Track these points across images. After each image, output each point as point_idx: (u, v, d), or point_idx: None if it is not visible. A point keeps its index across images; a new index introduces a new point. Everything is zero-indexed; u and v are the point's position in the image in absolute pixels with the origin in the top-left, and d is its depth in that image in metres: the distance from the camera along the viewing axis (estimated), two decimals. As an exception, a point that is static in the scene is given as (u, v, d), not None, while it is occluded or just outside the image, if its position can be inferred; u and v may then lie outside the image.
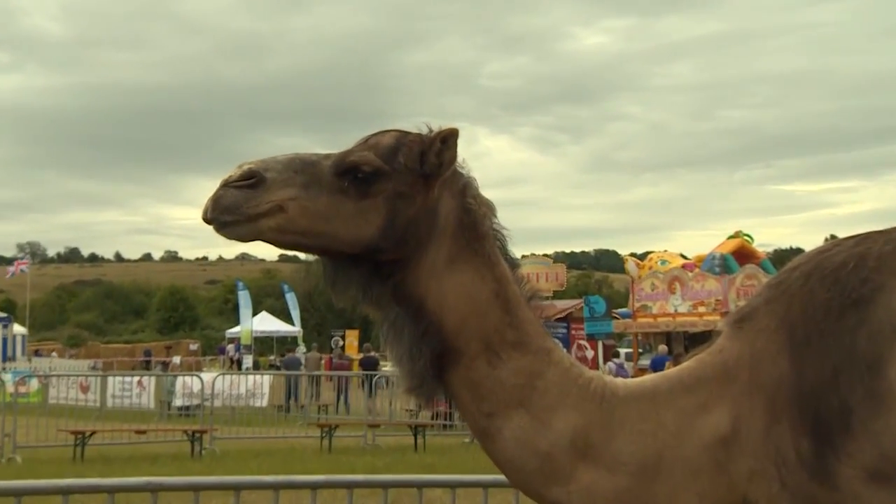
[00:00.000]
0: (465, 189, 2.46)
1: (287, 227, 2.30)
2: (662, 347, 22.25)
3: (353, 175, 2.34)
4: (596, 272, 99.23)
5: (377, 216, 2.34)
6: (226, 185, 2.29)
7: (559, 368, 2.43)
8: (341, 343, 36.27)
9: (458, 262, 2.41)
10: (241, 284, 39.81)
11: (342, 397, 23.28)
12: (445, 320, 2.38)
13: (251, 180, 2.28)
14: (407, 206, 2.37)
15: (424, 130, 2.45)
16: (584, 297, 31.06)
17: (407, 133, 2.45)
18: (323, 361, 29.05)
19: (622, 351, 29.34)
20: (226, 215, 2.26)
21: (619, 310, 31.61)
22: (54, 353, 50.21)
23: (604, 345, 28.48)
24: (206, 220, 2.28)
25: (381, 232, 2.34)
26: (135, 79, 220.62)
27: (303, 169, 2.33)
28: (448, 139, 2.40)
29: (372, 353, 24.47)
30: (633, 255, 31.33)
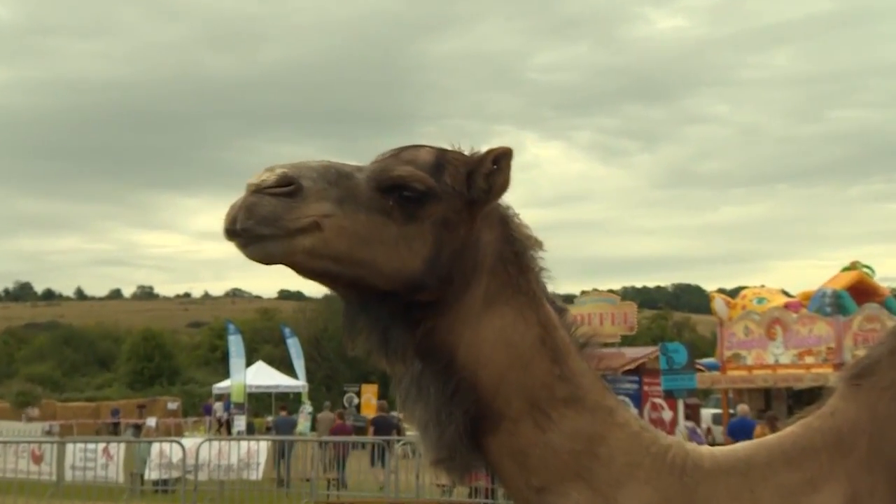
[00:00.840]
0: (505, 217, 2.54)
1: (320, 250, 2.35)
2: (743, 407, 21.82)
3: (398, 193, 2.41)
4: (675, 312, 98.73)
5: (423, 245, 2.40)
6: (259, 190, 2.33)
7: (626, 432, 2.44)
8: (356, 401, 36.43)
9: (497, 304, 2.45)
10: (232, 327, 39.98)
11: (343, 467, 22.80)
12: (481, 375, 2.41)
13: (289, 187, 2.33)
14: (452, 235, 2.43)
15: (458, 146, 2.52)
16: (661, 345, 30.85)
17: (445, 150, 2.52)
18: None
19: (707, 412, 29.10)
20: (263, 227, 2.30)
21: (705, 360, 31.41)
22: None
23: (685, 404, 28.23)
24: (235, 231, 2.32)
25: (427, 265, 2.40)
26: (99, 73, 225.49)
27: (337, 181, 2.39)
28: (501, 160, 2.47)
29: (390, 414, 24.41)
30: (721, 291, 31.16)
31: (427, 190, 2.41)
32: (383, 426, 23.25)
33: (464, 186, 2.45)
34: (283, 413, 30.44)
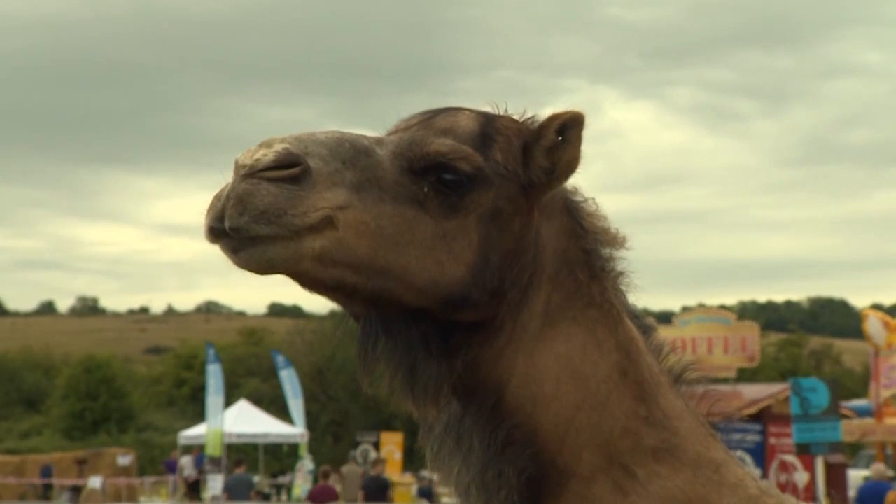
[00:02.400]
0: (571, 205, 2.57)
1: (334, 255, 2.36)
2: (878, 468, 21.73)
3: (436, 176, 2.44)
4: (812, 337, 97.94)
5: (467, 246, 2.43)
6: (253, 172, 2.35)
7: (740, 496, 2.44)
8: (373, 455, 36.36)
9: (561, 322, 2.47)
10: (212, 353, 39.87)
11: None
12: (541, 420, 2.42)
13: (294, 168, 2.35)
14: (504, 232, 2.46)
15: (506, 109, 2.56)
16: (792, 381, 30.64)
17: (492, 116, 2.55)
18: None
19: (857, 474, 28.83)
20: (261, 225, 2.32)
21: (853, 402, 31.17)
22: None
23: (826, 463, 28.02)
24: (223, 230, 2.34)
25: (473, 273, 2.42)
26: (22, 8, 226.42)
27: (353, 159, 2.42)
28: (568, 129, 2.48)
29: (421, 473, 24.48)
30: (876, 307, 30.92)
31: (475, 172, 2.43)
32: (374, 490, 23.28)
33: (519, 165, 2.48)
34: (240, 469, 30.27)
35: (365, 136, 2.49)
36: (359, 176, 2.39)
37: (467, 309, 2.43)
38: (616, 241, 2.59)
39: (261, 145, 2.38)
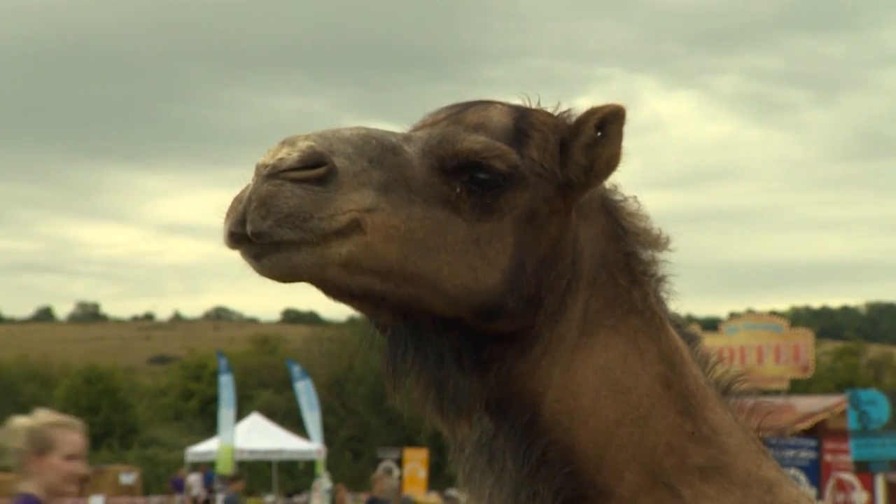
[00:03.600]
0: (610, 204, 2.57)
1: (362, 261, 2.37)
2: None
3: (469, 176, 2.45)
4: (871, 345, 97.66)
5: (501, 251, 2.44)
6: (275, 173, 2.35)
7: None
8: (396, 472, 36.39)
9: (600, 330, 2.47)
10: (223, 363, 39.92)
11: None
12: (578, 436, 2.42)
13: (319, 168, 2.36)
14: (540, 235, 2.46)
15: (539, 101, 2.58)
16: (849, 393, 30.55)
17: (526, 110, 2.55)
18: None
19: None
20: (287, 229, 2.32)
21: (916, 416, 30.95)
22: None
23: (887, 481, 27.92)
24: (245, 235, 2.35)
25: (508, 279, 2.43)
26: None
27: (381, 158, 2.42)
28: (608, 124, 2.48)
29: (448, 492, 24.55)
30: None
31: (510, 171, 2.44)
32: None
33: (556, 164, 2.49)
34: (235, 486, 30.23)
35: (392, 133, 2.50)
36: (386, 176, 2.39)
37: (502, 318, 2.43)
38: (658, 242, 2.60)
39: (283, 143, 2.38)
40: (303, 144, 2.36)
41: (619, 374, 2.45)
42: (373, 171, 2.38)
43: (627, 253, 2.54)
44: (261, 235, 2.31)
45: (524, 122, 2.50)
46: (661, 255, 2.61)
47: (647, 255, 2.58)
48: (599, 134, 2.48)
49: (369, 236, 2.35)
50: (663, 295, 2.58)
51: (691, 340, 2.58)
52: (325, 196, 2.33)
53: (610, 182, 2.59)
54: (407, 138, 2.50)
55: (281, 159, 2.34)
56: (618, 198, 2.61)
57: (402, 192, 2.39)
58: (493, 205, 2.43)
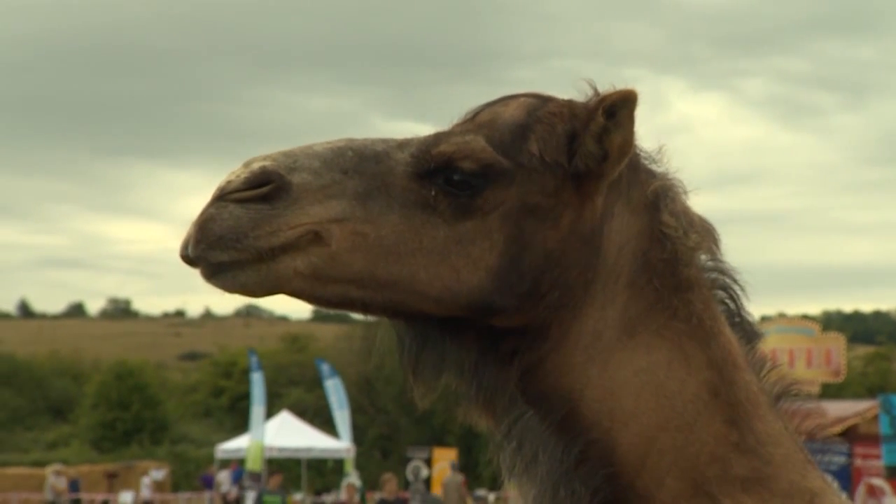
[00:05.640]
0: (658, 197, 2.54)
1: (328, 271, 2.41)
2: None
3: (444, 177, 2.47)
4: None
5: (488, 249, 2.44)
6: (222, 196, 2.40)
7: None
8: (425, 472, 36.48)
9: (642, 333, 2.46)
10: (255, 360, 40.03)
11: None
12: (619, 438, 2.41)
13: (264, 188, 2.40)
14: (543, 229, 2.45)
15: (580, 92, 2.56)
16: (881, 398, 30.48)
17: (545, 101, 2.55)
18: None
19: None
20: (219, 251, 2.37)
21: (949, 422, 30.83)
22: None
23: (918, 488, 27.83)
24: (188, 258, 2.42)
25: (496, 277, 2.43)
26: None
27: (359, 168, 2.45)
28: (617, 109, 2.47)
29: (476, 493, 24.57)
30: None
31: (483, 170, 2.45)
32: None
33: (562, 154, 2.48)
34: (275, 481, 30.18)
35: (382, 141, 2.52)
36: (366, 184, 2.43)
37: (495, 315, 2.45)
38: (711, 240, 2.58)
39: (244, 164, 2.44)
40: (255, 165, 2.41)
41: (663, 379, 2.43)
42: (347, 182, 2.42)
43: (666, 259, 2.51)
44: (197, 259, 2.40)
45: (533, 116, 2.51)
46: (714, 259, 2.59)
47: (695, 258, 2.55)
48: (609, 121, 2.48)
49: (333, 247, 2.40)
50: (713, 299, 2.55)
51: (751, 339, 2.56)
52: (269, 214, 2.37)
53: (668, 174, 2.59)
54: (403, 144, 2.53)
55: (229, 182, 2.40)
56: (671, 194, 2.58)
57: (381, 199, 2.42)
58: (470, 204, 2.44)
